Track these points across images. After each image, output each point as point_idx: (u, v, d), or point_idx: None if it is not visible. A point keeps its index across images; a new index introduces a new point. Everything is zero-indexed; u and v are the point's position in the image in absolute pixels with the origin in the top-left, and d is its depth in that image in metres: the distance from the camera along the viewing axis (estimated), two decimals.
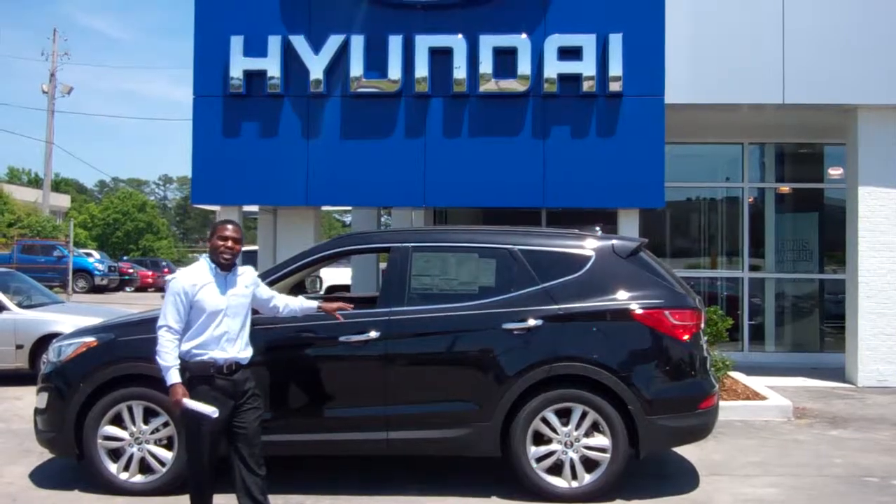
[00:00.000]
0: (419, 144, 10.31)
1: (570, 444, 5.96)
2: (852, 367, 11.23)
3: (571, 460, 5.96)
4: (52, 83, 41.37)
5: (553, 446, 5.97)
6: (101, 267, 34.57)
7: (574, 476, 5.96)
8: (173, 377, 4.85)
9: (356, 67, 10.28)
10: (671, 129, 10.59)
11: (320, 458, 6.50)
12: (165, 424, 6.02)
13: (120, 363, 6.05)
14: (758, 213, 13.57)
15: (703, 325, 6.38)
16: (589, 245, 6.35)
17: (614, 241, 6.40)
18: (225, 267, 5.06)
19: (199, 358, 4.91)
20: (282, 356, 6.07)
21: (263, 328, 6.06)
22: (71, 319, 10.28)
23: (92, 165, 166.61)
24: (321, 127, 10.35)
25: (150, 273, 38.94)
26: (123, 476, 6.03)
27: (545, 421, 5.98)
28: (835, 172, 13.50)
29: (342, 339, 5.98)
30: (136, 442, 6.03)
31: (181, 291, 4.92)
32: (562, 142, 10.35)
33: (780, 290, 13.62)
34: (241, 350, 5.06)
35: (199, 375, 4.90)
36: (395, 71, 10.27)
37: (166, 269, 39.30)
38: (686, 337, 6.10)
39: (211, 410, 4.82)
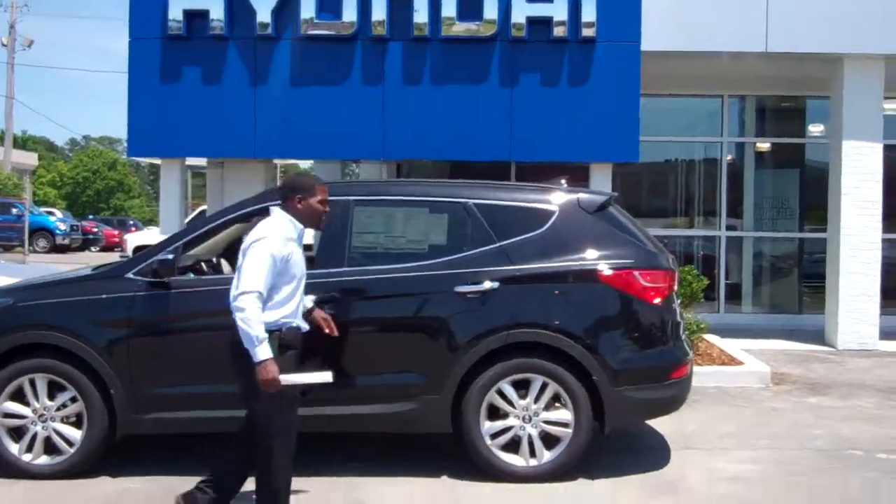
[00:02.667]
0: (377, 93, 9.56)
1: (529, 419, 5.37)
2: (832, 329, 10.73)
3: (529, 436, 5.37)
4: (11, 35, 39.86)
5: (510, 421, 5.38)
6: (62, 226, 33.65)
7: (532, 453, 5.38)
8: (267, 352, 4.22)
9: (307, 8, 9.46)
10: (647, 81, 9.92)
11: None
12: (73, 400, 5.35)
13: (18, 332, 5.37)
14: (736, 170, 13.00)
15: (676, 287, 5.79)
16: (552, 199, 5.70)
17: (580, 195, 5.76)
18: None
19: (289, 326, 4.47)
20: (204, 323, 5.44)
21: (188, 291, 5.48)
22: None
23: (56, 122, 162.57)
24: (269, 73, 9.55)
25: (115, 232, 37.98)
26: (26, 457, 5.37)
27: (501, 393, 5.38)
28: (815, 129, 12.93)
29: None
30: (40, 420, 5.37)
31: (278, 255, 4.34)
32: (530, 91, 9.65)
33: (758, 250, 13.11)
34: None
35: (290, 345, 4.45)
36: (350, 12, 9.49)
37: (133, 228, 38.35)
38: (657, 300, 5.51)
39: (324, 375, 4.44)
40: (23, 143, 71.74)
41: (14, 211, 30.57)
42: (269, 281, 4.30)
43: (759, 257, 13.10)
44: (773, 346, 10.57)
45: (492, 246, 5.49)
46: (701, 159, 13.28)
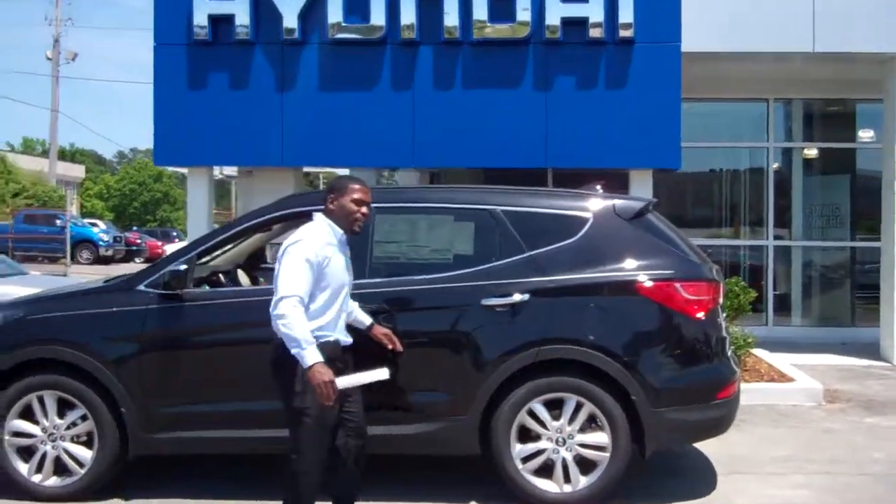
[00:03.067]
0: (407, 97, 9.26)
1: (563, 442, 5.00)
2: (888, 343, 10.17)
3: (564, 460, 5.00)
4: (55, 49, 40.42)
5: (542, 444, 5.01)
6: (105, 237, 33.92)
7: (567, 478, 5.00)
8: (316, 355, 3.98)
9: (335, 11, 9.19)
10: (688, 85, 9.51)
11: (260, 458, 5.48)
12: (84, 418, 5.10)
13: (27, 346, 5.14)
14: (784, 177, 12.47)
15: (721, 300, 5.39)
16: (586, 205, 5.34)
17: (616, 201, 5.39)
18: (353, 235, 4.40)
19: (325, 339, 4.17)
20: (220, 338, 5.19)
21: (203, 304, 5.23)
22: (18, 292, 9.37)
23: (102, 135, 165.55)
24: (297, 78, 9.29)
25: (159, 243, 38.15)
26: (36, 478, 5.14)
27: (532, 414, 5.02)
28: (866, 135, 12.38)
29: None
30: (49, 439, 5.12)
31: (314, 259, 4.11)
32: (566, 94, 9.28)
33: (807, 259, 12.54)
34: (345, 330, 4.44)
35: (329, 359, 4.09)
36: (378, 15, 9.19)
37: (176, 239, 38.55)
38: (701, 314, 5.11)
39: (381, 372, 4.32)
40: (71, 155, 72.96)
41: (58, 223, 30.80)
42: (308, 286, 4.06)
43: (808, 267, 12.54)
44: (824, 360, 10.05)
45: (521, 256, 5.15)
46: (746, 166, 12.77)
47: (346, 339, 4.38)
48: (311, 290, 4.09)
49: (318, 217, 4.34)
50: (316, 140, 9.36)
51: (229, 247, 5.88)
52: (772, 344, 10.14)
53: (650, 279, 5.07)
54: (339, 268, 4.24)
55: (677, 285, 5.08)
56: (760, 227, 12.41)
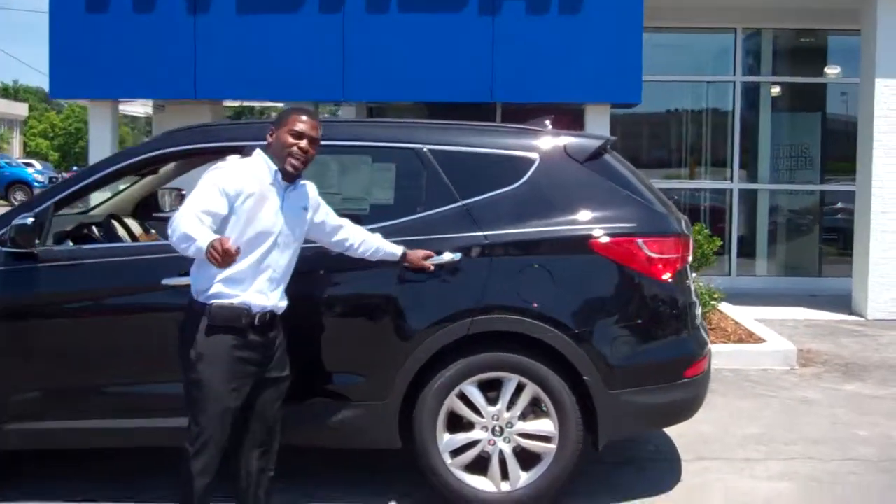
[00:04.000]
0: (336, 22, 8.22)
1: (500, 431, 4.12)
2: (860, 295, 9.46)
3: (501, 453, 4.12)
4: None
5: (475, 433, 4.13)
6: (40, 178, 32.46)
7: (505, 475, 4.13)
8: (208, 235, 3.19)
9: None
10: (650, 13, 8.57)
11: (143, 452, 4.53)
12: None
13: None
14: (750, 114, 11.61)
15: (689, 258, 4.51)
16: (532, 144, 4.38)
17: (568, 139, 4.43)
18: (290, 176, 3.57)
19: (224, 300, 3.40)
20: (82, 306, 4.21)
21: (57, 266, 4.22)
22: None
23: (40, 71, 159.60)
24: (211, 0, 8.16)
25: None
26: None
27: (464, 398, 4.12)
28: (835, 70, 11.54)
29: (167, 281, 4.04)
30: None
31: (229, 190, 3.40)
32: (515, 20, 8.33)
33: (774, 204, 11.76)
34: (281, 298, 3.61)
35: (224, 326, 3.40)
36: None
37: None
38: (667, 275, 4.22)
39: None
40: (14, 93, 70.12)
41: None
42: (210, 214, 3.32)
43: (774, 213, 11.76)
44: (793, 314, 9.31)
45: (452, 205, 4.20)
46: (710, 103, 11.92)
47: (267, 305, 3.51)
48: (219, 228, 3.36)
49: (256, 151, 3.62)
50: (234, 70, 8.34)
51: (111, 195, 4.84)
52: (736, 296, 9.32)
53: (607, 234, 4.15)
54: (267, 212, 3.49)
55: (639, 241, 4.17)
56: (724, 167, 11.60)
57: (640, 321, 4.19)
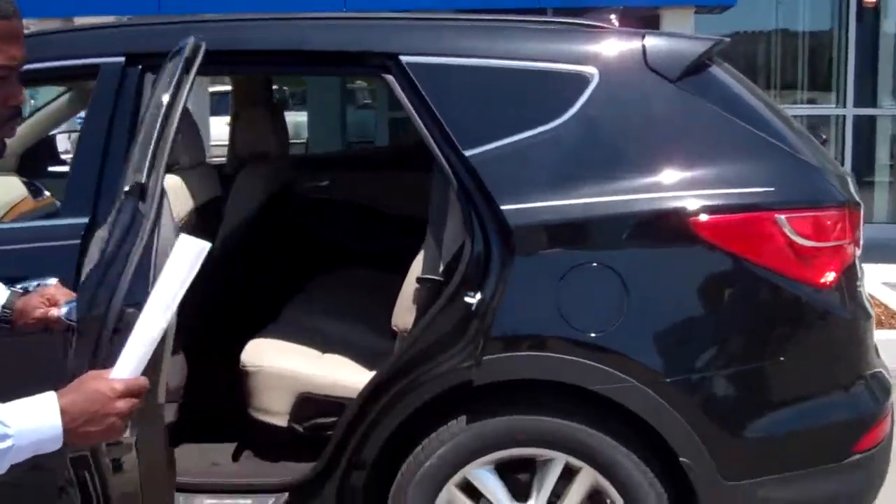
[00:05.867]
0: None
1: None
2: None
3: None
4: None
5: None
6: None
7: None
8: None
9: None
10: None
11: None
12: None
13: None
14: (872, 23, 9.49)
15: (861, 243, 2.69)
16: (586, 50, 2.56)
17: (650, 41, 2.56)
18: None
19: None
20: None
21: None
22: None
23: None
24: None
25: None
26: None
27: (471, 490, 2.41)
28: None
29: None
30: None
31: None
32: None
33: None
34: None
35: None
36: None
37: None
38: (829, 275, 2.44)
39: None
40: None
41: None
42: None
43: None
44: None
45: (447, 159, 2.43)
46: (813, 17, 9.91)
47: None
48: None
49: None
50: None
51: None
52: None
53: (719, 207, 2.35)
54: None
55: (779, 217, 2.36)
56: (829, 91, 9.70)
57: (781, 359, 2.39)
